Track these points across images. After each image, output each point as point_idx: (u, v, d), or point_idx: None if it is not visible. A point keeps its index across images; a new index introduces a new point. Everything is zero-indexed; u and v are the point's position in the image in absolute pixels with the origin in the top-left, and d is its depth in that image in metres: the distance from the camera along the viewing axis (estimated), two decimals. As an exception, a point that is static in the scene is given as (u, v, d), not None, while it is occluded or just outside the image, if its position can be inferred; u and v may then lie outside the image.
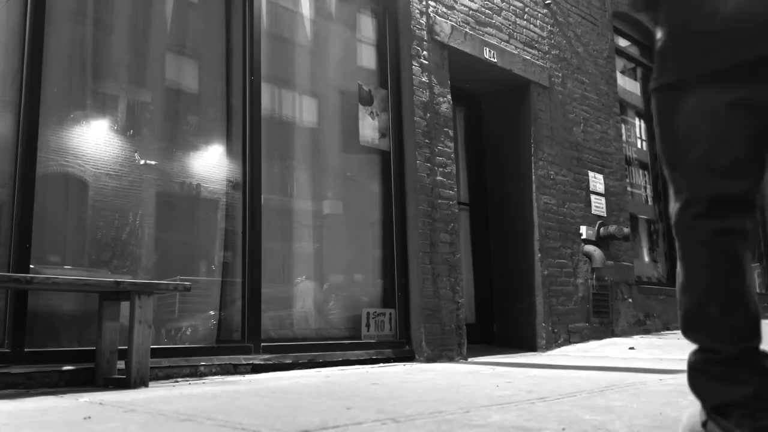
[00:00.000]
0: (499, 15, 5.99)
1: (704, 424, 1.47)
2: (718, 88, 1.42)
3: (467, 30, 5.60)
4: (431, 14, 5.30)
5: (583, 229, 6.37)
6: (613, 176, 7.04)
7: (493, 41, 5.83)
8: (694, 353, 1.51)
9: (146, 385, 3.09)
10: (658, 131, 1.55)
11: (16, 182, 3.28)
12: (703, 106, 1.44)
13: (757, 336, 1.45)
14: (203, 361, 3.68)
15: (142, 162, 3.92)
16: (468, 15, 5.66)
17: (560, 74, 6.55)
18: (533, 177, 6.02)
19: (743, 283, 1.44)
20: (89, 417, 2.19)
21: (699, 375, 1.49)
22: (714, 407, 1.45)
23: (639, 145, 8.14)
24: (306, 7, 4.95)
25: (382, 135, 5.09)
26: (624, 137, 7.59)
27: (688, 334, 1.50)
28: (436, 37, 5.30)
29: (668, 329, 6.95)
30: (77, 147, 3.68)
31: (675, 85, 1.49)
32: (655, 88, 1.55)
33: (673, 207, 1.51)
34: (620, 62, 7.94)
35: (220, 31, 4.42)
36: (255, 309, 4.07)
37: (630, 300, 6.75)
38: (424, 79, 5.15)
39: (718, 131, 1.41)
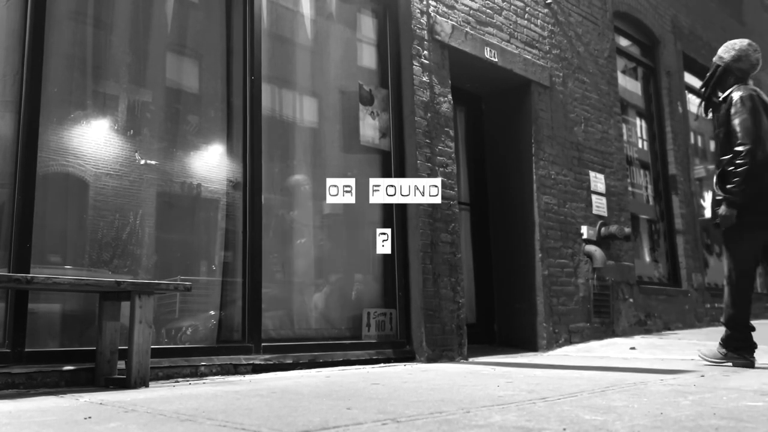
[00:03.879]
0: (500, 14, 5.99)
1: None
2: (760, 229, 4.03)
3: (468, 29, 5.59)
4: (432, 14, 5.29)
5: (584, 229, 6.36)
6: (614, 176, 7.04)
7: (494, 41, 5.83)
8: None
9: (147, 385, 3.09)
10: None
11: (17, 182, 3.27)
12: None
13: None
14: (204, 361, 3.68)
15: (142, 162, 3.92)
16: (469, 14, 5.65)
17: (561, 74, 6.55)
18: (534, 177, 6.02)
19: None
20: (90, 417, 2.19)
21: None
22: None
23: (640, 145, 8.14)
24: (306, 7, 4.95)
25: (383, 135, 5.08)
26: (625, 137, 7.59)
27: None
28: (437, 36, 5.29)
29: (669, 329, 6.95)
30: (78, 147, 3.68)
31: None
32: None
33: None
34: (621, 62, 7.93)
35: (220, 31, 4.42)
36: (255, 309, 4.06)
37: (631, 300, 6.75)
38: (424, 79, 5.14)
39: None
